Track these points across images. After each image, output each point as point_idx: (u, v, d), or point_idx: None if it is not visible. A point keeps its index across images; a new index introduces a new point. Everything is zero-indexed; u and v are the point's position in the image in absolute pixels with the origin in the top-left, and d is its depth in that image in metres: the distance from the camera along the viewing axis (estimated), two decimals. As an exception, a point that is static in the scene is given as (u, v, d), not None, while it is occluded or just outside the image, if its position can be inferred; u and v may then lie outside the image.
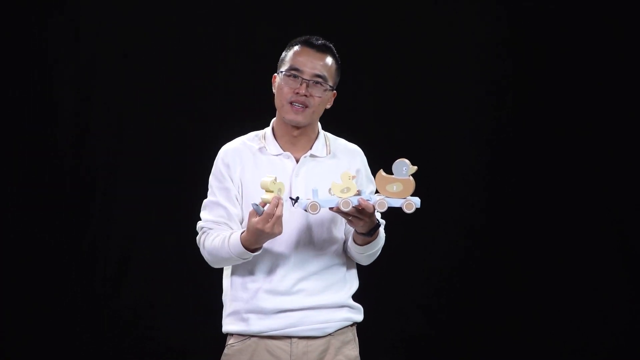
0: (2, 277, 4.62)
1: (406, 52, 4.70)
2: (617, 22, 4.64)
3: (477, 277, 4.75)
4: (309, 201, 2.47)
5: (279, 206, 2.49)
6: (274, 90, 2.74)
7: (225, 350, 2.72)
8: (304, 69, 2.67)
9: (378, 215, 2.70)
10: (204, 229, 2.71)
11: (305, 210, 2.49)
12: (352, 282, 2.75)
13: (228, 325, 2.71)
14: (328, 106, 2.76)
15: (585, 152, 4.70)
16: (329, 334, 2.68)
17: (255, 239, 2.54)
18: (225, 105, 4.63)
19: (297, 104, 2.66)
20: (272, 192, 2.48)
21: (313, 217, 2.61)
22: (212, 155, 2.80)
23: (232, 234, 2.61)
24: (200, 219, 2.74)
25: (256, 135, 2.77)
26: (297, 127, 2.70)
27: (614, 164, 4.68)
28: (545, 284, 4.73)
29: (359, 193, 2.49)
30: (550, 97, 4.70)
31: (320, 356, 2.67)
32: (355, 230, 2.60)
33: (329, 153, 2.74)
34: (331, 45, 2.74)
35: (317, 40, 2.72)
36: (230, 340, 2.71)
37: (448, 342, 4.75)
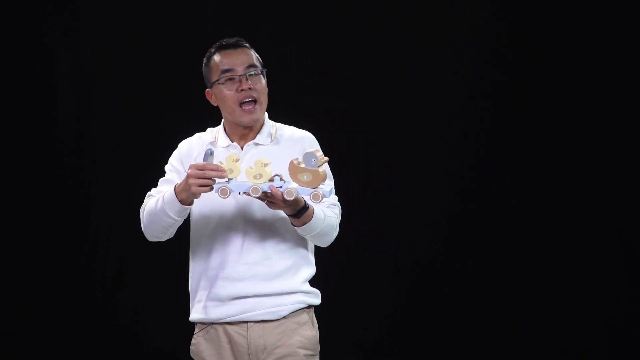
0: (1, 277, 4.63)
1: (402, 50, 4.71)
2: (616, 22, 4.65)
3: (476, 276, 4.76)
4: (220, 185, 2.55)
5: (217, 170, 2.55)
6: (214, 104, 2.81)
7: (193, 340, 2.81)
8: (235, 67, 2.75)
9: (334, 199, 2.77)
10: (149, 195, 2.83)
11: (216, 193, 2.56)
12: (306, 268, 2.80)
13: (192, 314, 2.81)
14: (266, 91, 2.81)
15: (583, 151, 4.71)
16: (284, 317, 2.74)
17: (184, 185, 2.61)
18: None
19: (246, 103, 2.73)
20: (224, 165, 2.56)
21: (258, 203, 2.65)
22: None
23: (167, 190, 2.70)
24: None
25: (211, 130, 2.86)
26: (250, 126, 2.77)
27: (613, 164, 4.69)
28: (545, 284, 4.73)
29: (273, 179, 2.55)
30: (550, 96, 4.71)
31: (277, 338, 2.73)
32: (285, 214, 2.66)
33: (273, 140, 2.79)
34: (242, 39, 2.82)
35: (228, 40, 2.81)
36: (195, 329, 2.81)
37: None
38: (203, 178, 2.56)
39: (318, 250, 2.87)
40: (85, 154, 4.71)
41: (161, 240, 2.82)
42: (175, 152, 2.87)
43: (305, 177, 2.54)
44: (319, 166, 2.54)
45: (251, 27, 4.65)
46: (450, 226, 4.76)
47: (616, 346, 4.70)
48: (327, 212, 2.72)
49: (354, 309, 4.70)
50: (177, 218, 2.70)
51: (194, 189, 2.57)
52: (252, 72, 2.75)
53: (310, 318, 2.80)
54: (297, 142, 2.79)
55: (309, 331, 2.78)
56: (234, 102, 2.74)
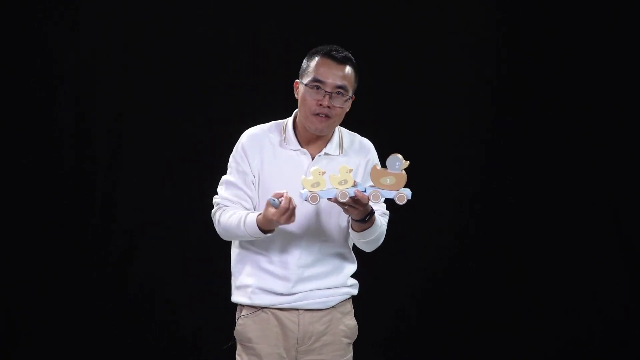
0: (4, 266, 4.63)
1: (402, 50, 4.71)
2: (616, 22, 4.65)
3: (476, 276, 4.76)
4: (310, 193, 2.69)
5: (292, 201, 2.72)
6: (296, 96, 2.92)
7: (239, 321, 2.96)
8: (326, 81, 2.85)
9: (383, 207, 2.96)
10: (220, 205, 2.92)
11: (306, 200, 2.71)
12: (350, 265, 3.01)
13: (239, 297, 2.95)
14: (347, 110, 2.93)
15: (583, 151, 4.71)
16: (332, 307, 2.95)
17: (269, 225, 2.78)
18: (226, 101, 4.63)
19: (320, 115, 2.85)
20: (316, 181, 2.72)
21: (322, 208, 2.86)
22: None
23: (248, 214, 2.84)
24: (217, 194, 2.95)
25: (277, 126, 2.96)
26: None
27: (613, 164, 4.69)
28: (545, 284, 4.73)
29: (355, 185, 2.70)
30: (549, 96, 4.71)
31: (325, 326, 2.93)
32: (352, 218, 2.81)
33: (342, 152, 2.94)
34: (350, 55, 2.93)
35: (338, 52, 2.90)
36: (243, 312, 2.95)
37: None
38: (290, 214, 2.72)
39: None
40: (85, 154, 4.71)
41: None
42: (240, 151, 2.93)
43: (388, 180, 2.71)
44: (402, 169, 2.72)
45: (251, 27, 4.65)
46: (449, 226, 4.76)
47: (616, 346, 4.69)
48: (382, 220, 2.91)
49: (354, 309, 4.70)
50: (255, 237, 2.84)
51: (285, 221, 2.73)
52: (339, 92, 2.85)
53: (351, 307, 3.04)
54: (362, 152, 2.98)
55: (351, 321, 3.02)
56: (309, 110, 2.85)
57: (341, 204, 2.71)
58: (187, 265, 4.67)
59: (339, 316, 2.96)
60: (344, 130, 3.00)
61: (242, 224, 2.82)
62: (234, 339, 2.98)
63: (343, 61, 2.88)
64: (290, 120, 2.96)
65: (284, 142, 2.91)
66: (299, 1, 4.65)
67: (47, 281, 4.66)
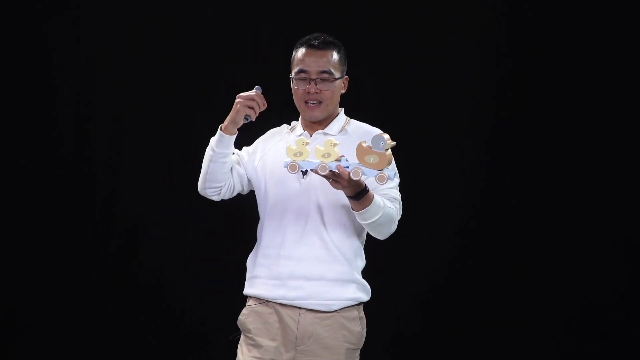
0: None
1: (402, 50, 4.71)
2: (616, 22, 4.64)
3: (476, 276, 4.75)
4: (290, 161, 2.73)
5: (261, 98, 2.87)
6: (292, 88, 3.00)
7: (244, 311, 2.98)
8: (309, 69, 2.94)
9: (394, 192, 2.96)
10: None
11: (285, 168, 2.74)
12: (359, 259, 3.01)
13: (248, 288, 2.99)
14: (343, 91, 3.04)
15: (583, 151, 4.70)
16: (335, 311, 2.92)
17: (230, 116, 2.91)
18: (226, 101, 4.62)
19: (311, 102, 2.94)
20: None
21: (322, 190, 2.87)
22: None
23: None
24: None
25: (295, 122, 3.10)
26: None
27: (613, 164, 4.68)
28: (545, 284, 4.73)
29: (340, 159, 2.71)
30: (549, 96, 4.70)
31: (326, 329, 2.91)
32: (346, 195, 2.81)
33: (341, 131, 3.00)
34: (331, 39, 3.01)
35: (317, 39, 2.98)
36: (250, 302, 2.98)
37: (442, 338, 4.75)
38: (250, 99, 2.86)
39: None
40: (85, 154, 4.71)
41: (210, 191, 3.00)
42: (257, 141, 3.07)
43: (372, 159, 2.69)
44: (386, 149, 2.68)
45: (251, 27, 4.65)
46: (449, 226, 4.76)
47: (616, 346, 4.69)
48: (387, 203, 2.87)
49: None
50: (215, 149, 2.94)
51: (240, 107, 2.86)
52: (324, 78, 2.94)
53: (359, 314, 3.00)
54: (363, 136, 2.93)
55: (356, 327, 2.97)
56: (300, 99, 2.96)
57: (324, 177, 2.72)
58: (187, 265, 4.68)
59: (342, 321, 2.94)
60: (354, 120, 3.07)
61: (210, 141, 2.94)
62: (239, 330, 3.00)
63: (323, 47, 2.96)
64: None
65: (291, 130, 3.04)
66: (299, 1, 4.65)
67: (47, 281, 4.67)
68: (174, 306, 4.73)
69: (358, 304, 2.99)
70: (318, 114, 2.95)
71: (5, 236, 4.65)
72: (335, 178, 2.71)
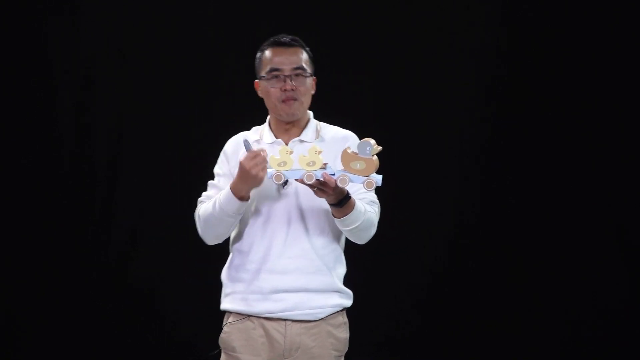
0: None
1: (402, 50, 4.71)
2: (616, 22, 4.64)
3: (476, 276, 4.76)
4: (275, 171, 2.65)
5: (264, 152, 2.70)
6: (260, 95, 2.93)
7: (225, 328, 2.89)
8: (282, 67, 2.86)
9: (371, 195, 2.88)
10: (201, 201, 2.92)
11: (270, 179, 2.67)
12: (340, 266, 2.93)
13: (227, 304, 2.89)
14: (313, 92, 2.93)
15: (583, 151, 4.70)
16: (321, 319, 2.86)
17: (241, 180, 2.72)
18: (226, 101, 4.64)
19: (287, 100, 2.85)
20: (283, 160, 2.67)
21: (304, 201, 2.79)
22: (213, 151, 2.99)
23: (222, 191, 2.81)
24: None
25: (256, 129, 2.98)
26: (290, 121, 2.90)
27: (613, 164, 4.69)
28: (545, 284, 4.73)
29: (324, 167, 2.65)
30: (549, 96, 4.70)
31: (313, 338, 2.85)
32: (328, 203, 2.74)
33: (317, 138, 2.91)
34: (298, 39, 2.92)
35: (284, 37, 2.91)
36: (230, 319, 2.89)
37: (437, 337, 4.76)
38: (261, 161, 2.69)
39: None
40: (85, 154, 4.71)
41: (220, 242, 2.90)
42: (222, 155, 2.95)
43: (358, 165, 2.64)
44: (373, 155, 2.63)
45: (251, 27, 4.65)
46: (449, 226, 4.76)
47: (616, 346, 4.69)
48: (367, 208, 2.82)
49: (354, 309, 4.70)
50: (237, 216, 2.79)
51: (255, 172, 2.68)
52: (298, 74, 2.86)
53: (343, 319, 2.93)
54: (341, 141, 2.88)
55: (342, 334, 2.92)
56: (276, 99, 2.86)
57: (309, 186, 2.65)
58: (187, 265, 4.67)
59: (329, 328, 2.87)
60: (323, 123, 2.97)
61: (217, 200, 2.78)
62: (219, 346, 2.91)
63: (293, 44, 2.89)
64: (266, 122, 2.97)
65: (260, 139, 2.91)
66: (299, 1, 4.65)
67: (47, 281, 4.67)
68: (174, 306, 4.74)
69: (342, 310, 2.93)
70: (296, 111, 2.87)
71: (5, 236, 4.65)
72: (321, 187, 2.65)
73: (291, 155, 2.65)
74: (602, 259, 4.71)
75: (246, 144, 2.74)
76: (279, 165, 2.64)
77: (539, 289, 4.73)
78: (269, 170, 2.66)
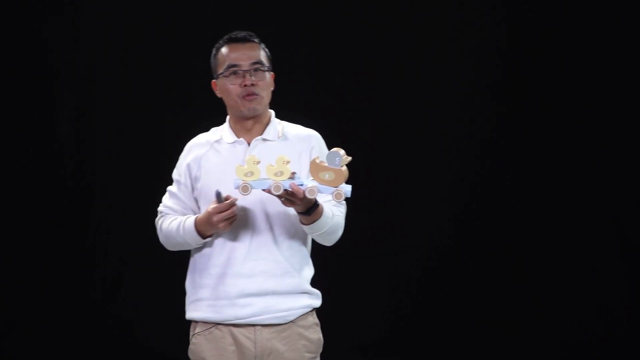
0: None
1: (402, 50, 4.71)
2: (616, 22, 4.65)
3: (476, 276, 4.76)
4: (242, 182, 2.56)
5: (234, 206, 2.66)
6: (218, 95, 2.85)
7: (193, 339, 2.80)
8: (240, 63, 2.79)
9: (328, 198, 2.74)
10: (163, 213, 2.87)
11: (237, 189, 2.58)
12: (308, 268, 2.85)
13: (193, 312, 2.81)
14: (272, 88, 2.85)
15: (583, 151, 4.71)
16: (291, 321, 2.78)
17: (206, 225, 2.70)
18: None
19: (248, 95, 2.78)
20: (253, 172, 2.58)
21: (269, 201, 2.70)
22: None
23: (187, 218, 2.77)
24: (161, 202, 2.89)
25: (216, 129, 2.90)
26: (251, 117, 2.82)
27: (613, 164, 4.69)
28: (545, 284, 4.73)
29: (292, 177, 2.57)
30: (549, 96, 4.71)
31: (284, 341, 2.76)
32: (296, 211, 2.68)
33: (281, 136, 2.83)
34: (253, 33, 2.86)
35: (239, 33, 2.84)
36: (197, 329, 2.80)
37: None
38: (227, 217, 2.65)
39: (320, 250, 2.88)
40: (85, 154, 4.71)
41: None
42: (181, 158, 2.91)
43: (327, 175, 2.55)
44: (342, 165, 2.55)
45: (251, 27, 4.65)
46: (450, 226, 4.76)
47: (616, 346, 4.70)
48: (335, 211, 2.75)
49: (354, 309, 4.70)
50: (199, 245, 2.77)
51: (222, 226, 2.66)
52: (257, 68, 2.79)
53: (314, 320, 2.84)
54: (304, 140, 2.82)
55: (314, 334, 2.82)
56: (236, 95, 2.79)
57: (277, 197, 2.57)
58: (187, 263, 4.66)
59: (300, 330, 2.78)
60: (285, 122, 2.88)
61: (181, 227, 2.75)
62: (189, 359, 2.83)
63: (249, 39, 2.83)
64: (225, 122, 2.89)
65: (221, 139, 2.84)
66: (298, 1, 4.65)
67: (47, 281, 4.67)
68: (175, 306, 4.73)
69: (311, 310, 2.83)
70: (258, 105, 2.78)
71: (4, 236, 4.65)
72: (289, 197, 2.56)
73: (258, 165, 2.56)
74: (602, 259, 4.71)
75: (217, 194, 2.65)
76: (245, 175, 2.55)
77: (539, 289, 4.73)
78: (235, 180, 2.57)
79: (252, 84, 2.76)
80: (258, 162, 2.56)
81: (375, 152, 4.64)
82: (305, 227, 2.70)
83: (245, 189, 2.56)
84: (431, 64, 4.71)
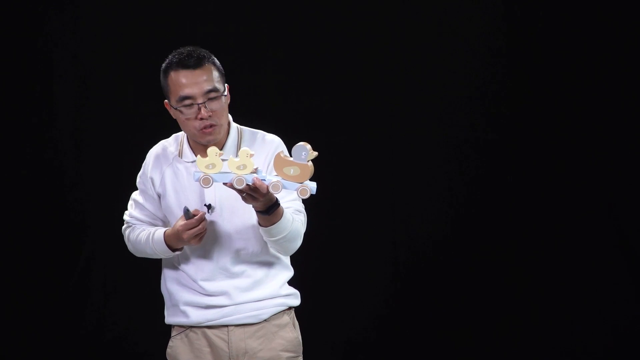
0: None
1: (402, 50, 4.71)
2: (616, 22, 4.65)
3: (476, 276, 4.76)
4: (203, 174, 2.50)
5: (204, 221, 2.64)
6: (173, 116, 2.76)
7: (170, 343, 2.84)
8: (194, 94, 2.68)
9: (298, 204, 2.74)
10: (130, 223, 2.87)
11: (197, 182, 2.53)
12: (283, 271, 2.82)
13: (169, 317, 2.84)
14: (229, 101, 2.78)
15: (583, 151, 4.71)
16: (265, 320, 2.76)
17: (176, 240, 2.70)
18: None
19: (206, 128, 2.69)
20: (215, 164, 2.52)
21: (237, 216, 2.68)
22: None
23: (156, 230, 2.77)
24: (127, 209, 2.89)
25: (176, 139, 2.86)
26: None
27: (613, 164, 4.69)
28: (545, 284, 4.73)
29: (255, 171, 2.50)
30: (549, 96, 4.71)
31: (259, 341, 2.75)
32: (254, 209, 2.60)
33: (239, 148, 2.75)
34: (201, 51, 2.75)
35: (189, 57, 2.72)
36: (173, 333, 2.84)
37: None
38: (198, 233, 2.65)
39: (312, 248, 2.88)
40: (85, 154, 4.71)
41: None
42: (144, 167, 2.88)
43: (292, 170, 2.46)
44: (308, 160, 2.47)
45: (251, 27, 4.65)
46: (449, 226, 4.76)
47: (616, 346, 4.69)
48: (295, 217, 2.68)
49: (353, 309, 4.70)
50: (169, 257, 2.79)
51: (193, 242, 2.66)
52: (212, 97, 2.69)
53: (291, 319, 2.81)
54: (264, 147, 2.75)
55: (290, 333, 2.80)
56: (193, 128, 2.70)
57: (238, 191, 2.50)
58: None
59: (274, 329, 2.76)
60: (245, 129, 2.82)
61: (150, 240, 2.75)
62: None
63: (198, 64, 2.70)
64: (184, 134, 2.83)
65: (179, 155, 2.79)
66: (298, 1, 4.65)
67: (45, 282, 4.67)
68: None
69: (288, 309, 2.81)
70: (217, 135, 2.70)
71: (4, 236, 4.65)
72: (251, 192, 2.49)
73: (220, 158, 2.50)
74: (602, 259, 4.71)
75: (185, 211, 2.64)
76: (207, 167, 2.49)
77: (539, 289, 4.73)
78: (195, 172, 2.53)
79: (209, 115, 2.67)
80: (221, 154, 2.51)
81: (373, 151, 4.64)
82: (263, 231, 2.63)
83: (206, 181, 2.50)
84: (431, 64, 4.71)
